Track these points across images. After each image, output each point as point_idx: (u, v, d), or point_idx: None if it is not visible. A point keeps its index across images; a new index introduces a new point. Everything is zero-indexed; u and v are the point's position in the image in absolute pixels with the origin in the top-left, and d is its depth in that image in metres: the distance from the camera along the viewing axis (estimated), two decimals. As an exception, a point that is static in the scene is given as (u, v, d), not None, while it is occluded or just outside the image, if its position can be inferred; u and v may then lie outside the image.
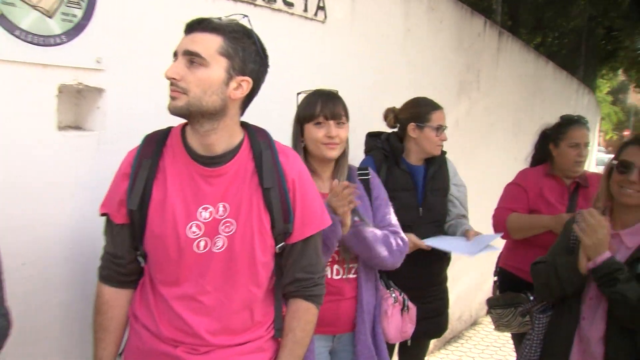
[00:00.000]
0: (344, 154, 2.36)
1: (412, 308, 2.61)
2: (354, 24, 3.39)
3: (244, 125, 1.75)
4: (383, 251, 2.33)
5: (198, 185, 1.64)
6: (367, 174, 2.49)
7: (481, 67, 5.19)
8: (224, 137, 1.66)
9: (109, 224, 1.73)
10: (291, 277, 1.81)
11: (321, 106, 2.25)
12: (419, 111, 2.96)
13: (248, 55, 1.62)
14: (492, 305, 3.30)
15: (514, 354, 5.16)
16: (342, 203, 2.13)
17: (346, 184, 2.16)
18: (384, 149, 2.96)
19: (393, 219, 2.48)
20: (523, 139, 6.61)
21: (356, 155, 2.91)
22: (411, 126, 2.94)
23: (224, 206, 1.64)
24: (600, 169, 11.84)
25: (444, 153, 3.07)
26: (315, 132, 2.26)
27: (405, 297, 2.60)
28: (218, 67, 1.56)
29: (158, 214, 1.64)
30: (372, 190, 2.48)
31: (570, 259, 2.34)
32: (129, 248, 1.72)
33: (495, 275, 3.55)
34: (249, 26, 1.66)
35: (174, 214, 1.62)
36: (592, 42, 12.33)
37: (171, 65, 1.58)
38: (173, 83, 1.56)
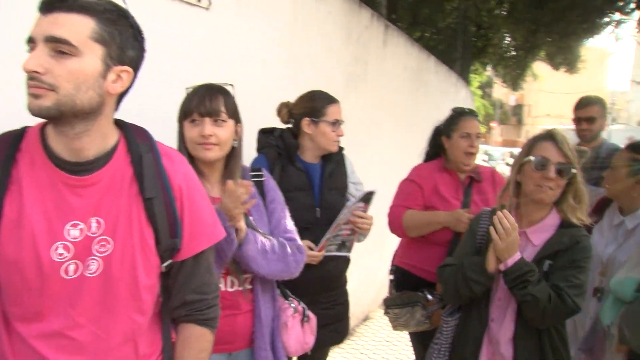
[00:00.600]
0: (234, 155, 2.14)
1: (312, 318, 2.45)
2: (240, 11, 3.15)
3: (119, 124, 1.47)
4: (277, 265, 2.14)
5: (64, 197, 1.36)
6: (260, 176, 2.28)
7: (369, 59, 5.11)
8: (97, 139, 1.38)
9: None
10: (181, 300, 1.57)
11: (197, 102, 2.02)
12: (314, 105, 2.79)
13: (126, 40, 1.36)
14: (389, 305, 3.20)
15: (408, 349, 5.22)
16: (236, 204, 1.92)
17: (240, 182, 1.95)
18: (278, 147, 2.77)
19: (289, 224, 2.30)
20: (409, 132, 6.69)
21: (251, 155, 2.71)
22: (305, 121, 2.76)
23: (98, 221, 1.38)
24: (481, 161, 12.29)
25: (341, 149, 2.92)
26: (190, 131, 2.04)
27: (305, 306, 2.42)
28: (92, 57, 1.29)
29: (12, 235, 1.32)
30: (266, 193, 2.28)
31: (477, 260, 2.29)
32: None
33: (390, 274, 3.46)
34: (121, 4, 1.38)
35: (34, 234, 1.33)
36: (466, 39, 12.83)
37: (30, 55, 1.26)
38: (35, 77, 1.25)
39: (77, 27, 1.27)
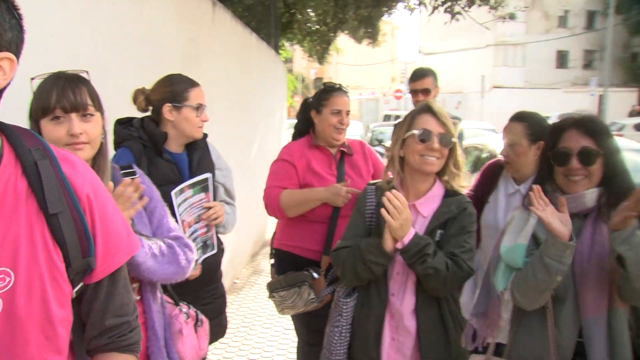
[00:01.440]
0: (101, 153, 1.87)
1: (205, 321, 2.31)
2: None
3: None
4: (170, 268, 1.96)
5: None
6: (132, 173, 2.03)
7: (200, 39, 4.85)
8: None
9: None
10: (100, 327, 1.34)
11: (57, 95, 1.71)
12: (174, 89, 2.59)
13: (1, 19, 1.08)
14: (274, 288, 3.12)
15: (267, 331, 5.20)
16: (125, 206, 1.73)
17: (128, 181, 1.76)
18: (141, 138, 2.52)
19: (172, 222, 2.10)
20: (241, 113, 6.54)
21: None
22: (167, 107, 2.56)
23: None
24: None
25: (205, 135, 2.75)
26: (53, 131, 1.73)
27: (196, 310, 2.26)
28: None
29: None
30: (142, 192, 2.04)
31: (374, 242, 2.30)
32: None
33: (271, 258, 3.38)
34: None
35: None
36: (276, 15, 12.86)
37: None
38: None
39: None
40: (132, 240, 1.39)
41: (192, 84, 2.64)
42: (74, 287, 1.24)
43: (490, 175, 3.13)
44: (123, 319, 1.38)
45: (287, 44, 19.69)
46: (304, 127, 3.34)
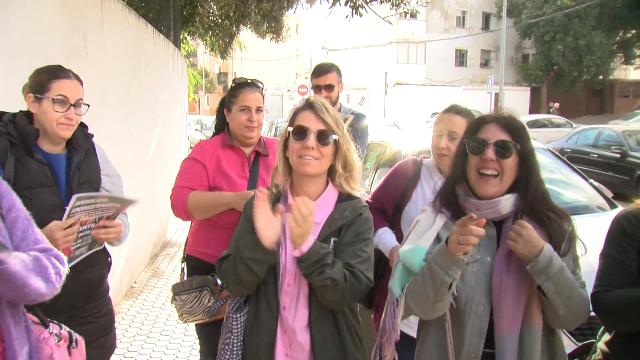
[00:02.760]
0: None
1: (80, 340, 2.07)
2: None
3: None
4: (39, 283, 1.70)
5: None
6: None
7: (87, 29, 4.50)
8: None
9: None
10: None
11: None
12: (38, 79, 2.34)
13: None
14: (177, 291, 2.94)
15: (167, 338, 4.93)
16: None
17: None
18: (9, 134, 2.26)
19: (38, 233, 1.85)
20: (136, 108, 6.19)
21: None
22: (29, 98, 2.32)
23: None
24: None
25: (89, 135, 2.51)
26: None
27: (69, 330, 2.01)
28: None
29: None
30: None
31: (251, 237, 2.10)
32: None
33: (182, 262, 3.20)
34: None
35: None
36: (175, 8, 12.44)
37: None
38: None
39: None
40: None
41: (58, 74, 2.35)
42: None
43: (406, 171, 3.02)
44: None
45: (189, 37, 19.20)
46: (221, 125, 3.15)
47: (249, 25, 16.28)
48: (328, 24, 32.41)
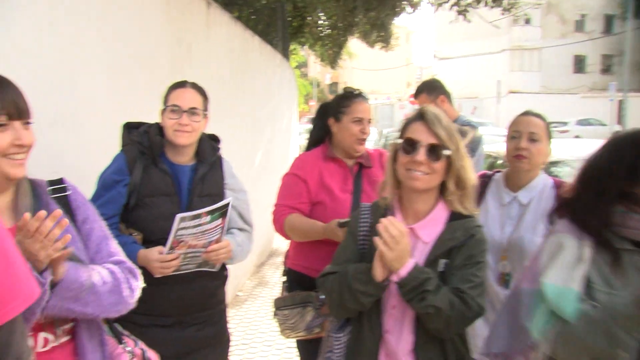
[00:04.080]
0: None
1: (154, 357, 2.02)
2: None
3: None
4: (110, 298, 1.68)
5: None
6: (63, 189, 1.74)
7: (192, 40, 4.60)
8: None
9: None
10: None
11: (0, 99, 1.49)
12: (165, 93, 2.46)
13: None
14: (279, 306, 2.90)
15: (269, 349, 4.90)
16: (44, 244, 1.42)
17: (42, 214, 1.43)
18: (141, 144, 2.35)
19: (113, 245, 1.82)
20: (238, 118, 6.27)
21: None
22: (161, 111, 2.42)
23: None
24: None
25: (217, 149, 2.56)
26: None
27: (143, 346, 1.98)
28: None
29: None
30: (75, 212, 1.76)
31: (363, 269, 1.96)
32: None
33: (283, 275, 3.16)
34: None
35: None
36: (284, 19, 12.66)
37: None
38: None
39: None
40: (32, 285, 1.16)
41: (175, 86, 2.46)
42: None
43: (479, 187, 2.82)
44: None
45: (299, 48, 19.53)
46: (320, 134, 3.06)
47: (357, 35, 16.25)
48: (439, 33, 31.92)
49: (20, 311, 1.11)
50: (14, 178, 1.56)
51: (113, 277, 1.71)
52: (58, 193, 1.72)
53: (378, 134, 22.78)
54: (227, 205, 2.27)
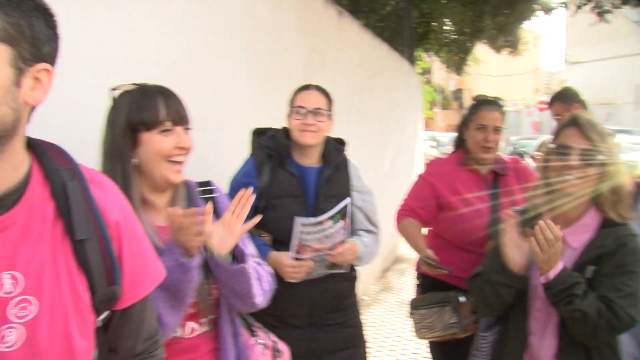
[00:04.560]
0: None
1: (285, 350, 2.12)
2: (189, 1, 2.73)
3: (28, 143, 1.10)
4: (257, 289, 1.82)
5: None
6: (211, 191, 1.89)
7: (324, 49, 4.74)
8: (8, 169, 1.02)
9: None
10: (130, 352, 1.28)
11: (166, 106, 1.65)
12: (290, 97, 2.53)
13: (38, 31, 0.98)
14: (417, 305, 2.90)
15: (393, 354, 4.93)
16: (189, 237, 1.56)
17: (182, 212, 1.57)
18: (269, 148, 2.46)
19: (251, 247, 1.93)
20: (367, 124, 6.36)
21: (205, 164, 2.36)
22: (287, 114, 2.51)
23: (14, 277, 1.03)
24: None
25: (341, 150, 2.62)
26: (161, 143, 1.65)
27: (275, 339, 2.09)
28: None
29: None
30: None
31: (499, 260, 2.01)
32: None
33: (417, 279, 3.16)
34: None
35: None
36: (410, 25, 12.64)
37: None
38: None
39: None
40: (159, 267, 1.31)
41: (300, 88, 2.55)
42: (98, 315, 1.16)
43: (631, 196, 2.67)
44: (152, 340, 1.35)
45: (424, 54, 19.37)
46: (459, 143, 3.07)
47: (484, 40, 15.87)
48: (570, 35, 30.36)
49: (149, 290, 1.27)
50: (174, 183, 1.72)
51: (257, 270, 1.83)
52: (206, 194, 1.86)
53: (505, 141, 22.01)
54: (345, 206, 2.32)
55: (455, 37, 16.35)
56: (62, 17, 1.06)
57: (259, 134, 2.57)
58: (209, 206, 1.64)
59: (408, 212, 2.92)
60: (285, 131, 2.52)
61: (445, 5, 13.10)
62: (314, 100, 2.47)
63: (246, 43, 3.36)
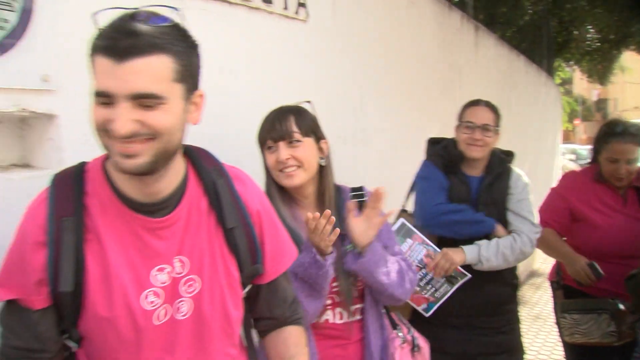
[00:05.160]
0: (323, 174, 1.98)
1: (424, 346, 2.24)
2: (336, 22, 3.00)
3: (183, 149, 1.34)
4: (400, 282, 1.98)
5: (145, 242, 1.25)
6: (362, 195, 2.05)
7: (461, 63, 4.86)
8: (172, 176, 1.26)
9: (18, 312, 1.23)
10: (282, 317, 1.54)
11: (268, 127, 1.89)
12: (461, 110, 2.68)
13: (196, 65, 1.20)
14: (567, 309, 2.88)
15: None
16: (322, 237, 1.75)
17: (316, 215, 1.74)
18: (443, 157, 2.65)
19: (397, 246, 2.12)
20: (504, 136, 6.33)
21: (351, 168, 2.55)
22: (457, 127, 2.66)
23: (182, 261, 1.28)
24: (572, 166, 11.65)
25: (504, 161, 2.70)
26: (268, 158, 1.92)
27: (415, 334, 2.22)
28: (176, 99, 1.15)
29: (102, 291, 1.21)
30: None
31: None
32: (55, 336, 1.26)
33: (556, 289, 3.16)
34: (179, 21, 1.19)
35: (124, 288, 1.22)
36: (549, 35, 12.28)
37: (118, 117, 1.08)
38: (127, 139, 1.10)
39: (158, 71, 1.09)
40: (293, 248, 1.54)
41: (468, 104, 2.68)
42: (243, 289, 1.41)
43: None
44: (295, 304, 1.59)
45: (564, 64, 18.60)
46: (595, 156, 3.03)
47: (632, 46, 14.98)
48: None
49: (287, 266, 1.51)
50: (289, 186, 1.91)
51: (399, 264, 1.99)
52: (358, 198, 2.04)
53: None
54: (403, 225, 2.49)
55: (599, 44, 15.56)
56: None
57: (434, 143, 2.76)
58: (351, 203, 1.85)
59: (543, 224, 2.88)
60: (455, 142, 2.67)
61: (588, 12, 12.59)
62: (482, 115, 2.60)
63: (390, 62, 3.59)
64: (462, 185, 2.59)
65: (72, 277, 1.18)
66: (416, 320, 2.47)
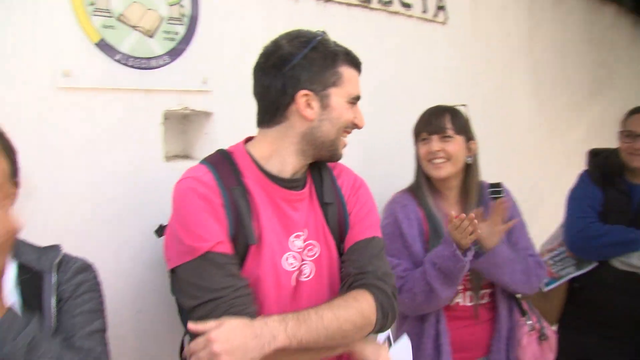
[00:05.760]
0: (469, 172, 2.14)
1: (552, 336, 2.27)
2: (476, 23, 3.06)
3: None
4: (521, 276, 2.08)
5: (285, 212, 1.48)
6: (499, 192, 2.16)
7: (615, 61, 4.64)
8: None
9: (216, 259, 1.34)
10: (375, 272, 1.52)
11: (424, 122, 2.11)
12: (624, 118, 2.61)
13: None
14: None
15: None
16: (463, 235, 1.87)
17: (462, 216, 1.86)
18: (601, 167, 2.63)
19: (528, 241, 2.21)
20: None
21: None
22: (619, 134, 2.60)
23: (306, 230, 1.51)
24: None
25: None
26: (420, 149, 2.13)
27: (545, 324, 2.26)
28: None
29: (255, 254, 1.42)
30: (506, 212, 2.15)
31: None
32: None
33: None
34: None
35: (272, 248, 1.43)
36: None
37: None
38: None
39: None
40: (378, 227, 1.62)
41: (633, 110, 2.59)
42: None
43: None
44: (388, 276, 1.53)
45: None
46: None
47: None
48: None
49: (369, 236, 1.57)
50: (436, 177, 2.09)
51: (526, 262, 2.09)
52: (495, 194, 2.15)
53: None
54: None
55: None
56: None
57: (595, 155, 2.72)
58: (477, 211, 1.94)
59: None
60: (617, 151, 2.61)
61: None
62: (634, 124, 2.53)
63: (530, 61, 3.56)
64: (621, 195, 2.53)
65: (253, 233, 1.39)
66: (565, 326, 2.58)
